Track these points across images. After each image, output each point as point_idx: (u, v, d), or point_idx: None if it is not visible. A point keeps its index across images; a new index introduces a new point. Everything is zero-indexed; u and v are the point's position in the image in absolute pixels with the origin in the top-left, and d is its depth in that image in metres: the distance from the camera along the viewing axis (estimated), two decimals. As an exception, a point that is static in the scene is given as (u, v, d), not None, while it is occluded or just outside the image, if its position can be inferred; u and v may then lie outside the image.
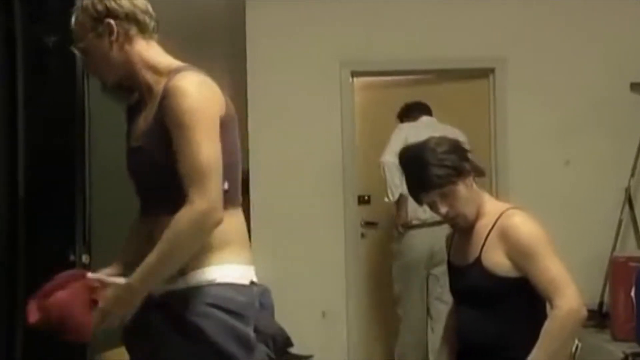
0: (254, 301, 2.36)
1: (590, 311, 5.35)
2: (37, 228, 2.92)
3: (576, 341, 2.88)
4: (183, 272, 2.28)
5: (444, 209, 2.95)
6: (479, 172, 3.03)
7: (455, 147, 3.00)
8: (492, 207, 3.01)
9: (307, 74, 6.10)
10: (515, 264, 2.83)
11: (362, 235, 6.46)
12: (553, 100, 6.06)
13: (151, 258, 2.20)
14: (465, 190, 2.95)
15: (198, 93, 2.26)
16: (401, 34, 6.07)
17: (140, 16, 2.41)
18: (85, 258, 3.04)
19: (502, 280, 2.84)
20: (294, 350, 5.67)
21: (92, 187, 3.13)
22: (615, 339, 5.09)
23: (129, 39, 2.39)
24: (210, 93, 2.31)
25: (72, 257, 2.96)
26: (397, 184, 5.69)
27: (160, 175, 2.31)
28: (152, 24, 2.45)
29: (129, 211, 2.61)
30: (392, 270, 6.03)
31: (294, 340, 5.82)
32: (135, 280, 2.23)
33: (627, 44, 6.07)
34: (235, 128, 2.41)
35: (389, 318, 6.17)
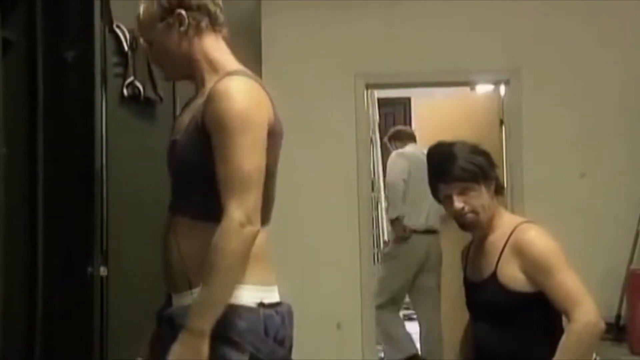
0: (257, 326, 2.17)
1: (607, 324, 5.33)
2: (55, 241, 2.93)
3: (594, 355, 2.87)
4: (191, 285, 2.19)
5: (459, 204, 2.93)
6: (499, 187, 3.03)
7: (486, 154, 3.02)
8: (506, 220, 3.01)
9: (321, 85, 6.11)
10: (531, 279, 2.82)
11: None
12: (568, 111, 6.04)
13: (203, 292, 2.09)
14: (486, 194, 2.95)
15: (244, 98, 2.17)
16: (415, 46, 6.08)
17: (212, 8, 2.35)
18: (103, 270, 3.05)
19: (518, 296, 2.83)
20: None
21: (110, 200, 3.14)
22: (633, 352, 5.07)
23: (199, 31, 2.32)
24: (258, 100, 2.21)
25: (90, 270, 2.97)
26: (398, 205, 6.53)
27: (188, 175, 2.25)
28: (222, 17, 2.38)
29: (147, 223, 2.61)
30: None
31: (309, 352, 5.86)
32: (194, 323, 2.08)
33: (644, 54, 6.05)
34: (277, 145, 2.30)
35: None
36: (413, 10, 6.05)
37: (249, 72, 2.30)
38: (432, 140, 5.86)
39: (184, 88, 4.42)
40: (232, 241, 2.07)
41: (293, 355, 6.09)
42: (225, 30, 2.41)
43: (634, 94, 6.03)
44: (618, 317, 5.49)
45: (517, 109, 6.09)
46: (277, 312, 2.24)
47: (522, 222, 2.95)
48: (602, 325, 2.75)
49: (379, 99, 8.64)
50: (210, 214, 2.14)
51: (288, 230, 6.00)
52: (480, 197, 2.94)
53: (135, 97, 3.42)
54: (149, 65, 3.77)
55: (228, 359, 2.14)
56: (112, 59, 3.42)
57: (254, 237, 2.11)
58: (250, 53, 6.18)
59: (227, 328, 2.13)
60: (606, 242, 5.89)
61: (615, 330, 5.33)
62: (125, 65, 3.61)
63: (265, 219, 2.22)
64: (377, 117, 8.87)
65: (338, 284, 6.04)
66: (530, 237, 2.87)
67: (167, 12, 2.30)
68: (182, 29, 2.29)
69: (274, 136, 2.26)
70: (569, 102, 6.05)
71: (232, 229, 2.07)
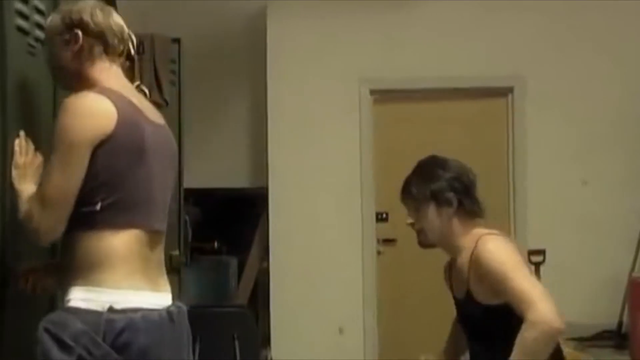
0: (97, 329, 2.18)
1: (609, 331, 5.38)
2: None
3: None
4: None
5: (408, 220, 3.06)
6: (472, 213, 3.03)
7: (457, 178, 3.02)
8: (473, 238, 3.01)
9: (326, 91, 6.14)
10: (493, 291, 2.83)
11: (379, 252, 6.46)
12: (571, 120, 6.07)
13: None
14: (435, 216, 2.98)
15: (70, 112, 2.25)
16: (419, 52, 6.10)
17: (110, 38, 2.43)
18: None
19: (493, 309, 2.83)
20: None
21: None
22: (634, 359, 5.06)
23: (91, 56, 2.41)
24: (86, 113, 2.27)
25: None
26: None
27: None
28: (121, 47, 2.46)
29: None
30: None
31: (312, 356, 5.89)
32: None
33: (646, 64, 6.07)
34: (126, 153, 2.31)
35: (404, 333, 6.17)
36: (417, 17, 6.08)
37: (113, 90, 2.34)
38: (435, 149, 5.86)
39: (190, 91, 4.46)
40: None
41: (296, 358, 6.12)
42: (122, 60, 2.49)
43: (635, 104, 6.04)
44: (620, 324, 5.48)
45: (520, 116, 6.10)
46: (124, 318, 2.22)
47: (482, 236, 2.94)
48: (559, 325, 2.70)
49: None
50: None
51: (291, 233, 6.04)
52: (428, 219, 2.99)
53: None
54: (155, 70, 3.79)
55: (54, 356, 2.18)
56: (119, 62, 3.43)
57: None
58: (256, 60, 6.22)
59: (61, 329, 2.19)
60: (608, 249, 5.91)
61: (617, 337, 5.32)
62: (132, 69, 3.62)
63: (119, 223, 2.29)
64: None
65: (340, 289, 6.06)
66: (483, 249, 2.86)
67: (66, 28, 2.41)
68: (75, 47, 2.40)
69: (112, 145, 2.27)
70: (571, 112, 6.08)
71: None
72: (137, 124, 2.33)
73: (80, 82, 2.39)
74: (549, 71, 6.08)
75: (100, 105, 2.26)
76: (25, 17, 2.60)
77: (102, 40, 2.41)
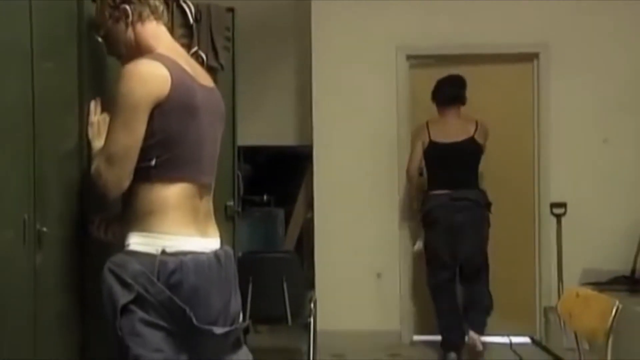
0: (152, 269, 2.27)
1: (623, 277, 5.39)
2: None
3: (617, 303, 2.87)
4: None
5: None
6: None
7: None
8: None
9: (365, 57, 6.15)
10: None
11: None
12: (592, 83, 6.01)
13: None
14: None
15: (129, 78, 2.31)
16: (452, 21, 6.07)
17: (151, 1, 2.52)
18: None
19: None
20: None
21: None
22: (647, 302, 5.08)
23: (140, 18, 2.49)
24: (144, 78, 2.32)
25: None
26: None
27: None
28: (161, 7, 2.55)
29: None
30: None
31: (353, 299, 5.97)
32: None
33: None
34: (180, 113, 2.36)
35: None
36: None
37: (163, 56, 2.40)
38: (466, 108, 5.86)
39: (243, 57, 4.49)
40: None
41: (338, 301, 6.23)
42: (165, 18, 2.58)
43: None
44: (633, 270, 5.50)
45: (546, 80, 6.07)
46: (175, 260, 2.30)
47: None
48: None
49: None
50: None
51: (334, 188, 6.10)
52: None
53: (199, 65, 3.48)
54: (211, 36, 3.83)
55: (116, 293, 2.27)
56: (179, 30, 3.49)
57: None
58: (302, 29, 6.25)
59: (122, 269, 2.29)
60: (624, 202, 5.91)
61: (631, 282, 5.35)
62: (190, 36, 3.67)
63: (169, 177, 2.36)
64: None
65: (378, 238, 6.12)
66: None
67: (114, 9, 2.50)
68: (128, 20, 2.48)
69: (171, 108, 2.33)
70: (593, 75, 6.02)
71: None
72: (189, 87, 2.39)
73: (137, 50, 2.46)
74: (571, 38, 6.02)
75: (156, 71, 2.32)
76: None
77: (146, 3, 2.50)
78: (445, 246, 5.39)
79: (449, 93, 5.54)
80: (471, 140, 5.44)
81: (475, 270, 5.46)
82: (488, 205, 5.46)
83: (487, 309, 5.50)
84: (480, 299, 5.47)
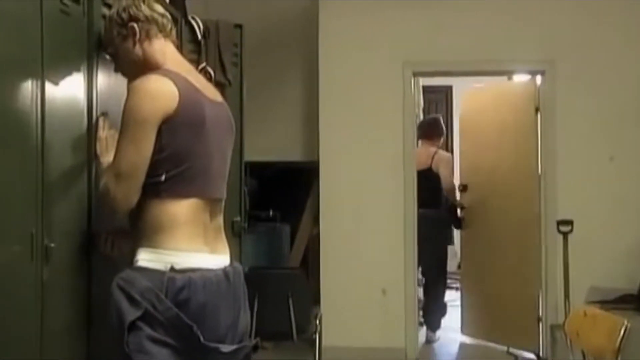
0: (160, 286, 2.26)
1: (629, 295, 5.36)
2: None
3: (625, 322, 2.86)
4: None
5: None
6: None
7: None
8: None
9: (373, 73, 6.15)
10: None
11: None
12: (598, 100, 5.99)
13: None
14: None
15: (137, 94, 2.32)
16: (459, 37, 6.07)
17: (159, 18, 2.53)
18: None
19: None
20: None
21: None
22: (654, 321, 5.04)
23: (148, 36, 2.51)
24: (151, 94, 2.32)
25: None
26: None
27: None
28: (169, 25, 2.57)
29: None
30: None
31: (358, 314, 5.95)
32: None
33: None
34: (189, 127, 2.36)
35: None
36: (456, 6, 6.03)
37: (171, 72, 2.41)
38: (471, 126, 5.89)
39: (250, 73, 4.51)
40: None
41: (343, 317, 6.22)
42: (173, 36, 2.60)
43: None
44: (640, 289, 5.48)
45: (551, 97, 6.05)
46: (184, 277, 2.28)
47: None
48: None
49: (423, 87, 8.61)
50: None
51: (339, 201, 6.10)
52: None
53: (207, 80, 3.49)
54: (219, 53, 3.84)
55: (124, 309, 2.26)
56: (188, 46, 3.50)
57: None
58: (309, 43, 6.26)
59: (130, 285, 2.28)
60: (631, 220, 5.88)
61: (637, 301, 5.32)
62: (198, 52, 3.69)
63: (193, 191, 2.37)
64: (422, 102, 8.86)
65: (384, 254, 6.10)
66: None
67: (122, 27, 2.51)
68: (136, 38, 2.50)
69: (180, 123, 2.33)
70: (599, 92, 6.00)
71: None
72: (197, 102, 2.39)
73: (145, 66, 2.46)
74: (577, 55, 6.01)
75: (163, 87, 2.32)
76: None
77: (154, 21, 2.51)
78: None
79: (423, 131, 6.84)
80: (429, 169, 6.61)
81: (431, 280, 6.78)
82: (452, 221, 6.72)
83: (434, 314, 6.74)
84: (431, 304, 6.72)
